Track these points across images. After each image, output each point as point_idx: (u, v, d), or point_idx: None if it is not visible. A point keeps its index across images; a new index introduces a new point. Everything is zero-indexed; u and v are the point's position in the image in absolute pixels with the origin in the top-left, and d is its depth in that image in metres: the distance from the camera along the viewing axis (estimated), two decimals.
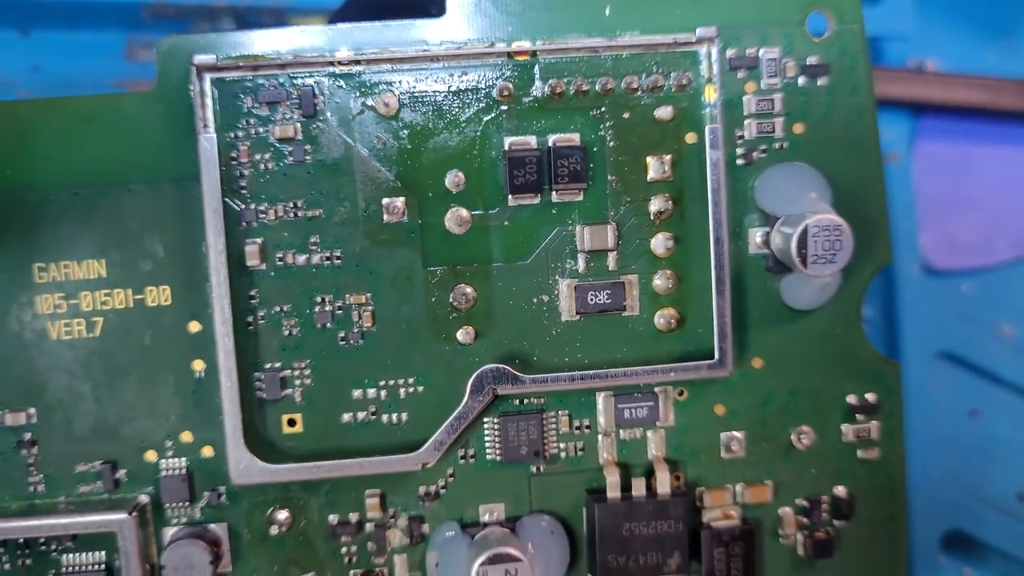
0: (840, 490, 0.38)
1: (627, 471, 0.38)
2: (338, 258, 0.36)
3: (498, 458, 0.37)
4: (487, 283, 0.36)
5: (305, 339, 0.36)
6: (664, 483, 0.37)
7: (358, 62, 0.35)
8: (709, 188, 0.36)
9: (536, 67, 0.36)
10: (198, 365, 0.36)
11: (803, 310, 0.37)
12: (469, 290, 0.36)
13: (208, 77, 0.35)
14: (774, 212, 0.36)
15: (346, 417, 0.36)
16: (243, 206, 0.35)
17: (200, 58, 0.34)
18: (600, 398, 0.37)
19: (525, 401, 0.37)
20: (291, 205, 0.36)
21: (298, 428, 0.36)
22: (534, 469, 0.38)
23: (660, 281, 0.37)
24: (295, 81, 0.35)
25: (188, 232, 0.35)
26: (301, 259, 0.36)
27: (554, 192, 0.36)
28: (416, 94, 0.36)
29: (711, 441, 0.38)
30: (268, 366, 0.36)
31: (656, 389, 0.37)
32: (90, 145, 0.35)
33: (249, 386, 0.36)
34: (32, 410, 0.35)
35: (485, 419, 0.37)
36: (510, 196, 0.36)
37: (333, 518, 0.37)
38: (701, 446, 0.38)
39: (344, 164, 0.36)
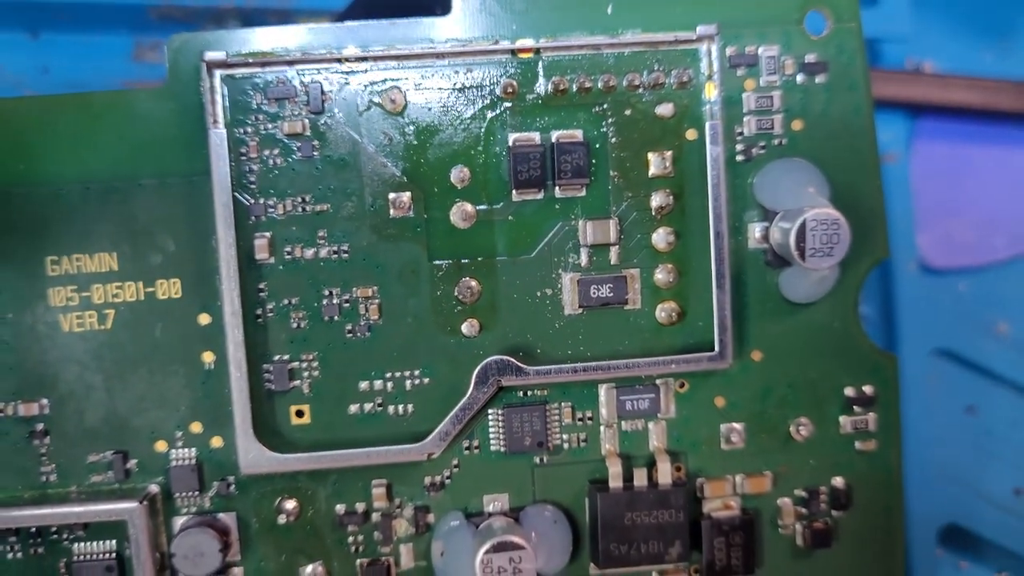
0: (838, 481, 0.39)
1: (629, 462, 0.38)
2: (345, 252, 0.37)
3: (502, 449, 0.38)
4: (491, 277, 0.37)
5: (313, 331, 0.37)
6: (665, 474, 0.38)
7: (365, 59, 0.36)
8: (709, 183, 0.36)
9: (539, 64, 0.37)
10: (208, 357, 0.36)
11: (802, 303, 0.38)
12: (474, 283, 0.37)
13: (218, 73, 0.35)
14: (773, 207, 0.37)
15: (353, 408, 0.37)
16: (252, 201, 0.36)
17: (210, 55, 0.35)
18: (602, 390, 0.38)
19: (529, 393, 0.38)
20: (299, 200, 0.36)
21: (306, 419, 0.37)
22: (537, 460, 0.38)
23: (661, 275, 0.37)
24: (303, 78, 0.36)
25: (198, 226, 0.36)
26: (309, 253, 0.36)
27: (557, 187, 0.37)
28: (422, 91, 0.36)
29: (711, 432, 0.39)
30: (276, 358, 0.37)
31: (657, 381, 0.38)
32: (102, 141, 0.36)
33: (258, 377, 0.36)
34: (44, 401, 0.36)
35: (489, 410, 0.38)
36: (514, 191, 0.37)
37: (340, 508, 0.37)
38: (702, 437, 0.39)
39: (351, 160, 0.36)
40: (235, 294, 0.35)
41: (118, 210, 0.36)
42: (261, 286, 0.36)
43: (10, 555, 0.36)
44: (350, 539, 0.38)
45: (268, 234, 0.36)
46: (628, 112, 0.37)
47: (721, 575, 0.38)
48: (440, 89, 0.36)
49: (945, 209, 0.58)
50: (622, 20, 0.37)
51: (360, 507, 0.37)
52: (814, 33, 0.37)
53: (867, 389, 0.39)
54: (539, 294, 0.37)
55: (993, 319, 0.56)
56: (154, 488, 0.36)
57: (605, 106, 0.37)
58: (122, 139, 0.36)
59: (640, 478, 0.38)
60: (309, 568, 0.38)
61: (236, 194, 0.36)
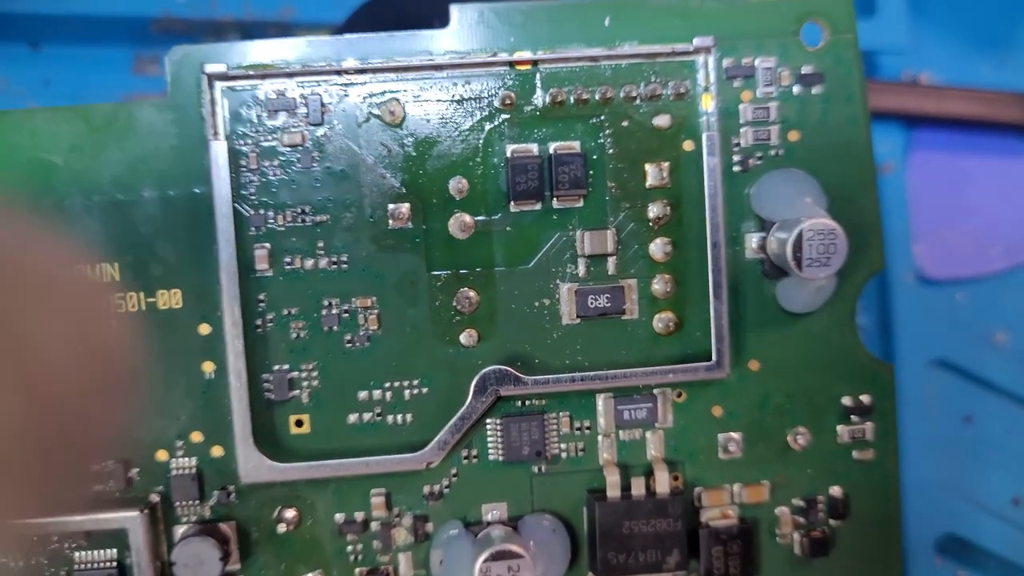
0: (836, 490, 0.39)
1: (627, 471, 0.38)
2: (344, 263, 0.37)
3: (500, 458, 0.38)
4: (490, 287, 0.37)
5: (312, 342, 0.37)
6: (663, 483, 0.38)
7: (364, 71, 0.36)
8: (706, 193, 0.37)
9: (537, 76, 0.37)
10: (208, 367, 0.37)
11: (799, 313, 0.38)
12: (472, 294, 0.37)
13: (219, 85, 0.36)
14: (770, 217, 0.37)
15: (352, 418, 0.37)
16: (252, 212, 0.36)
17: (211, 67, 0.35)
18: (600, 400, 0.38)
19: (527, 403, 0.38)
20: (299, 211, 0.36)
21: (305, 428, 0.37)
22: (536, 469, 0.38)
23: (659, 285, 0.38)
24: (303, 90, 0.36)
25: (199, 237, 0.36)
26: (309, 264, 0.37)
27: (555, 198, 0.37)
28: (421, 103, 0.37)
29: (709, 442, 0.39)
30: (276, 368, 0.37)
31: (655, 391, 0.38)
32: (103, 152, 0.36)
33: (257, 387, 0.37)
34: None
35: (488, 420, 0.38)
36: (512, 202, 0.37)
37: (339, 517, 0.38)
38: (699, 447, 0.39)
39: (350, 171, 0.37)
40: (235, 305, 0.36)
41: (119, 221, 0.36)
42: (261, 296, 0.37)
43: (12, 564, 0.36)
44: (349, 548, 0.38)
45: (268, 245, 0.36)
46: (625, 123, 0.37)
47: None
48: (439, 101, 0.37)
49: (942, 220, 0.58)
50: (619, 32, 0.37)
51: (359, 516, 0.38)
52: (810, 45, 0.38)
53: (864, 399, 0.39)
54: (537, 304, 0.38)
55: (991, 329, 0.56)
56: (155, 497, 0.37)
57: (602, 118, 0.37)
58: (123, 151, 0.36)
59: (638, 487, 0.38)
60: None
61: (236, 205, 0.36)
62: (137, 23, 0.51)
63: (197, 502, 0.37)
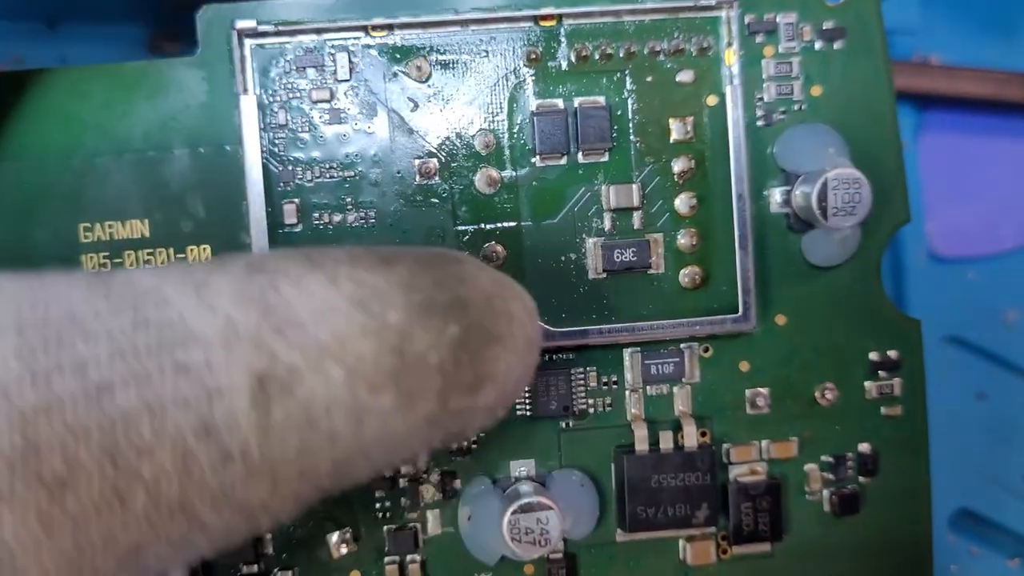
0: (865, 447, 0.39)
1: (654, 426, 0.38)
2: (372, 218, 0.37)
3: (528, 414, 0.38)
4: (516, 242, 0.37)
5: None
6: (691, 437, 0.38)
7: (391, 28, 0.37)
8: (731, 146, 0.37)
9: (562, 32, 0.37)
10: None
11: (824, 266, 0.38)
12: (499, 248, 0.37)
13: (248, 43, 0.36)
14: (795, 170, 0.38)
15: None
16: (280, 168, 0.37)
17: (241, 23, 0.36)
18: (627, 354, 0.38)
19: (554, 357, 0.38)
20: (327, 167, 0.37)
21: None
22: (563, 425, 0.38)
23: (684, 239, 0.38)
24: (331, 46, 0.36)
25: (228, 193, 0.36)
26: (337, 218, 0.37)
27: (580, 153, 0.37)
28: (447, 59, 0.37)
29: (736, 397, 0.39)
30: None
31: (682, 346, 0.38)
32: (134, 110, 0.36)
33: None
34: None
35: None
36: (538, 157, 0.37)
37: None
38: (727, 402, 0.39)
39: (378, 127, 0.37)
40: None
41: (150, 178, 0.36)
42: None
43: None
44: (377, 505, 0.38)
45: (296, 200, 0.37)
46: (649, 79, 0.38)
47: (748, 540, 0.38)
48: (464, 57, 0.37)
49: (954, 199, 0.58)
50: None
51: (387, 473, 0.37)
52: (831, 0, 0.38)
53: (892, 354, 0.39)
54: (563, 259, 0.38)
55: (1002, 307, 0.57)
56: None
57: (627, 73, 0.37)
58: (154, 108, 0.36)
59: (666, 441, 0.38)
60: (336, 535, 0.37)
61: (265, 161, 0.36)
62: (153, 1, 0.52)
63: None
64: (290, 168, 0.37)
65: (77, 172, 0.36)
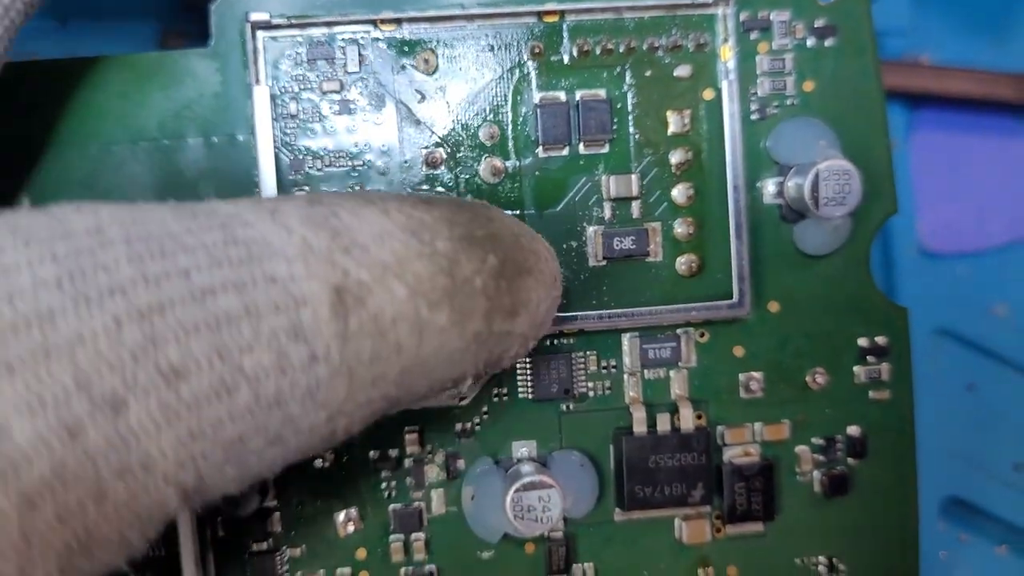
0: (854, 429, 0.40)
1: (652, 409, 0.39)
2: None
3: (530, 396, 0.39)
4: None
5: None
6: (687, 419, 0.39)
7: (400, 21, 0.38)
8: (727, 138, 0.38)
9: (564, 28, 0.39)
10: None
11: (816, 255, 0.40)
12: None
13: (261, 35, 0.37)
14: (787, 162, 0.39)
15: None
16: (292, 157, 0.38)
17: (255, 15, 0.37)
18: (625, 339, 0.40)
19: (555, 342, 0.39)
20: (336, 156, 0.38)
21: None
22: (564, 407, 0.40)
23: (681, 228, 0.39)
24: (341, 39, 0.38)
25: (240, 181, 0.38)
26: None
27: (581, 144, 0.39)
28: (453, 52, 0.38)
29: (731, 381, 0.40)
30: None
31: (678, 331, 0.40)
32: (150, 100, 0.37)
33: None
34: None
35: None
36: (540, 148, 0.38)
37: (374, 453, 0.39)
38: (721, 386, 0.40)
39: (386, 117, 0.38)
40: None
41: (164, 166, 0.38)
42: None
43: None
44: (383, 484, 0.39)
45: (307, 188, 0.38)
46: (648, 73, 0.39)
47: (742, 520, 0.40)
48: (470, 50, 0.38)
49: (944, 196, 0.60)
50: None
51: (393, 453, 0.39)
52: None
53: (880, 340, 0.40)
54: (564, 246, 0.39)
55: (991, 301, 0.58)
56: None
57: (626, 67, 0.39)
58: (169, 98, 0.38)
59: (663, 423, 0.39)
60: (343, 513, 0.39)
61: (277, 150, 0.37)
62: None
63: None
64: (300, 157, 0.38)
65: (94, 159, 0.37)
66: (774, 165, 0.40)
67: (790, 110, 0.40)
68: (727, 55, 0.39)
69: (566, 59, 0.39)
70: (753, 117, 0.39)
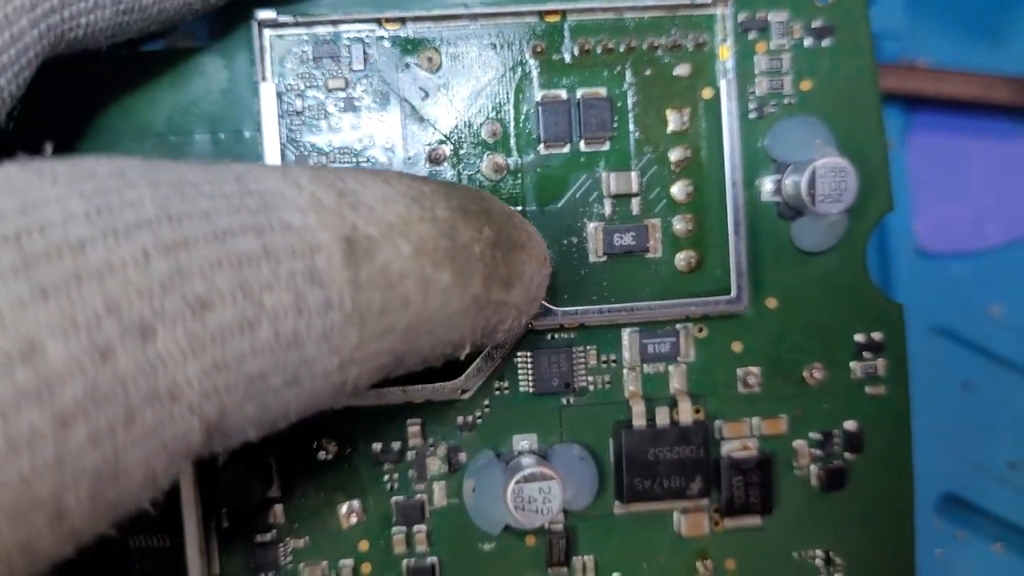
0: (851, 424, 0.41)
1: (651, 403, 0.40)
2: None
3: (531, 390, 0.40)
4: None
5: None
6: (686, 412, 0.40)
7: (404, 20, 0.38)
8: (726, 136, 0.39)
9: (566, 27, 0.39)
10: None
11: (813, 252, 0.40)
12: None
13: (268, 33, 0.38)
14: (785, 160, 0.40)
15: None
16: (297, 153, 0.38)
17: (262, 14, 0.37)
18: (625, 334, 0.40)
19: (556, 336, 0.40)
20: (340, 152, 0.39)
21: None
22: (564, 401, 0.40)
23: (680, 225, 0.40)
24: (346, 38, 0.38)
25: None
26: None
27: (582, 141, 0.39)
28: (456, 51, 0.39)
29: (729, 376, 0.41)
30: None
31: (677, 326, 0.40)
32: (158, 96, 0.38)
33: None
34: None
35: (519, 353, 0.39)
36: (542, 145, 0.39)
37: (377, 446, 0.39)
38: (719, 381, 0.41)
39: (390, 115, 0.39)
40: None
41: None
42: None
43: None
44: (386, 477, 0.39)
45: None
46: (648, 72, 0.40)
47: (739, 513, 0.40)
48: (473, 49, 0.39)
49: (940, 197, 0.61)
50: None
51: (396, 445, 0.39)
52: (820, 0, 0.40)
53: (876, 336, 0.41)
54: (565, 242, 0.39)
55: (987, 301, 0.59)
56: None
57: (627, 66, 0.39)
58: (176, 95, 0.38)
59: (662, 417, 0.40)
60: (346, 505, 0.39)
61: (283, 147, 0.38)
62: None
63: None
64: (306, 153, 0.38)
65: (103, 152, 0.38)
66: (771, 163, 0.40)
67: (787, 109, 0.40)
68: (726, 55, 0.39)
69: (567, 58, 0.39)
70: (751, 116, 0.40)
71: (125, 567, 0.38)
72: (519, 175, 0.39)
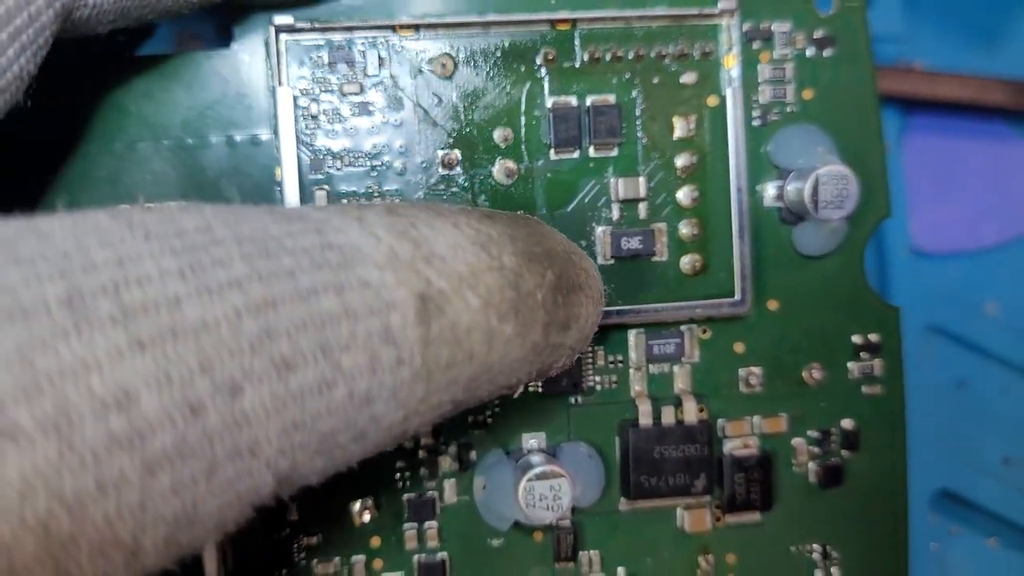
0: (847, 423, 0.42)
1: (656, 403, 0.41)
2: None
3: (540, 390, 0.41)
4: None
5: None
6: (691, 412, 0.41)
7: (418, 27, 0.39)
8: (730, 143, 0.40)
9: (576, 35, 0.40)
10: None
11: (813, 256, 0.41)
12: None
13: (284, 37, 0.39)
14: (787, 167, 0.41)
15: None
16: (312, 156, 0.39)
17: (279, 19, 0.38)
18: (631, 335, 0.41)
19: None
20: (355, 156, 0.39)
21: None
22: (572, 401, 0.41)
23: (686, 229, 0.41)
24: (362, 43, 0.39)
25: (261, 180, 0.39)
26: None
27: (592, 147, 0.40)
28: (469, 58, 0.40)
29: (731, 376, 0.42)
30: None
31: (682, 328, 0.41)
32: (174, 99, 0.39)
33: None
34: None
35: None
36: (552, 150, 0.40)
37: None
38: (722, 381, 0.42)
39: (404, 120, 0.39)
40: None
41: (187, 164, 0.39)
42: None
43: None
44: (398, 475, 0.40)
45: (327, 187, 0.39)
46: (656, 80, 0.40)
47: (741, 509, 0.41)
48: (486, 56, 0.40)
49: (936, 198, 0.62)
50: None
51: (408, 444, 0.40)
52: (823, 11, 0.41)
53: (873, 337, 0.42)
54: None
55: (982, 300, 0.60)
56: None
57: (635, 74, 0.40)
58: (192, 98, 0.39)
59: (668, 416, 0.41)
60: (359, 503, 0.40)
61: (298, 150, 0.39)
62: None
63: None
64: (321, 157, 0.39)
65: (118, 157, 0.39)
66: (774, 169, 0.41)
67: (790, 117, 0.41)
68: (731, 64, 0.40)
69: (578, 65, 0.40)
70: (755, 123, 0.41)
71: None
72: (530, 180, 0.40)
